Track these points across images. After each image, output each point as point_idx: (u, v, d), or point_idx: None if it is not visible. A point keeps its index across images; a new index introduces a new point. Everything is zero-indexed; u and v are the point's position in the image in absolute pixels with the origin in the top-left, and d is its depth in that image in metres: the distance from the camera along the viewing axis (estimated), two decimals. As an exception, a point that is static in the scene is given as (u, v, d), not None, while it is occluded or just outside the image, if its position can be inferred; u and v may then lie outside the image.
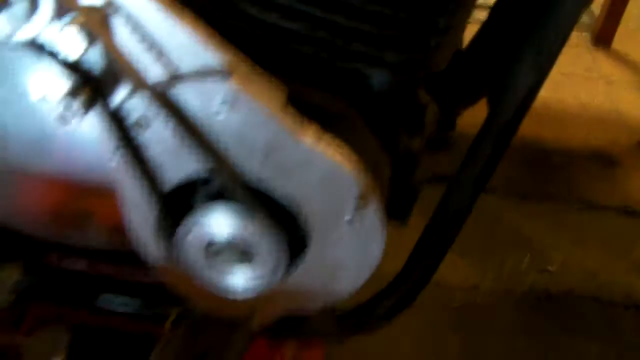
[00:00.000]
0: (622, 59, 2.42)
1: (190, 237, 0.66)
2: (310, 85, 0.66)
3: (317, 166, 0.61)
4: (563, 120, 2.17)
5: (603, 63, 2.46)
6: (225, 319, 0.92)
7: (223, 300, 0.75)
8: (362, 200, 0.63)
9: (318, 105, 0.65)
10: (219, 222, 0.65)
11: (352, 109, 0.67)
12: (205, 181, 0.65)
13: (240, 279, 0.68)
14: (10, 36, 0.53)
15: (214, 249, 0.66)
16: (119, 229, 0.81)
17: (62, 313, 1.04)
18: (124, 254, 1.00)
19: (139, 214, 0.68)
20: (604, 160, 2.07)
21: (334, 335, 1.02)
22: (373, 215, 0.64)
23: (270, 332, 1.01)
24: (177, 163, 0.63)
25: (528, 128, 1.91)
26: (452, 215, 0.85)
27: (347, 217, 0.62)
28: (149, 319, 1.01)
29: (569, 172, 2.02)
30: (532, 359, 1.52)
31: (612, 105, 2.25)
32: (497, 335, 1.57)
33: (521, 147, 1.96)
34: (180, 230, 0.66)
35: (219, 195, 0.65)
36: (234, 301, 0.74)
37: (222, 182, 0.62)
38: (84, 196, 0.78)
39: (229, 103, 0.57)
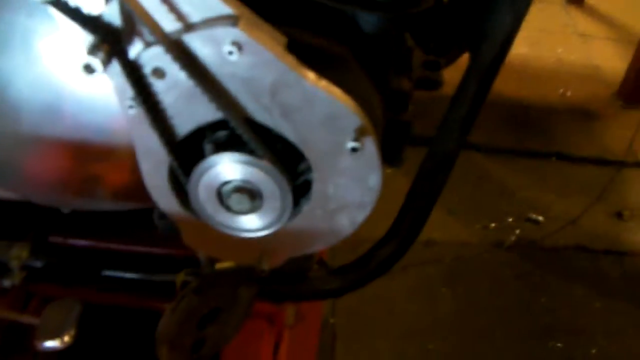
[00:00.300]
0: (595, 15, 2.48)
1: (202, 183, 0.72)
2: (307, 30, 0.71)
3: (319, 102, 0.66)
4: (541, 77, 2.24)
5: (579, 19, 2.53)
6: (232, 276, 0.98)
7: (232, 246, 0.81)
8: (360, 133, 0.68)
9: (316, 48, 0.70)
10: (229, 167, 0.70)
11: (347, 51, 0.72)
12: (214, 128, 0.71)
13: (250, 220, 0.74)
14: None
15: (225, 192, 0.72)
16: (124, 190, 0.86)
17: (69, 292, 1.08)
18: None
19: (154, 162, 0.73)
20: (581, 113, 2.15)
21: (331, 292, 1.08)
22: (371, 146, 0.69)
23: (271, 295, 1.07)
24: (190, 111, 0.68)
25: (508, 85, 2.00)
26: (442, 157, 0.90)
27: (348, 146, 0.68)
28: (155, 293, 1.06)
29: (549, 126, 2.09)
30: (520, 302, 1.60)
31: (588, 60, 2.32)
32: (488, 285, 1.65)
33: (502, 104, 2.02)
34: (193, 176, 0.71)
35: (228, 142, 0.71)
36: (243, 247, 0.80)
37: (232, 126, 0.67)
38: (92, 160, 0.82)
39: (238, 45, 0.63)
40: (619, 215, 1.83)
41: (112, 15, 0.62)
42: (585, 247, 1.75)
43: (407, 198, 0.95)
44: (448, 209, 1.77)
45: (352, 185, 0.73)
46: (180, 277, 0.97)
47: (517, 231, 1.79)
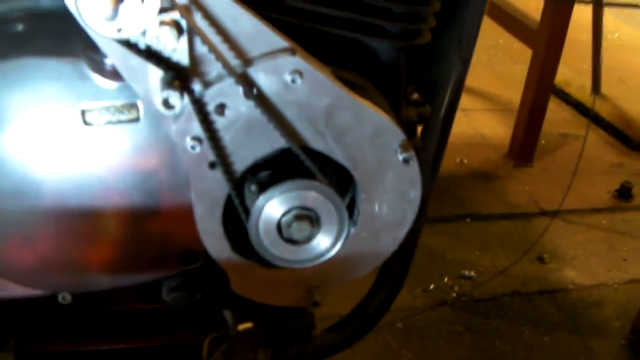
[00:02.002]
0: (471, 91, 2.75)
1: (262, 217, 0.74)
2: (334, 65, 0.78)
3: (368, 119, 0.73)
4: (438, 150, 2.42)
5: (458, 96, 2.79)
6: (253, 338, 0.98)
7: (280, 288, 0.83)
8: (404, 148, 0.75)
9: (347, 80, 0.77)
10: (288, 197, 0.74)
11: (369, 83, 0.80)
12: (254, 172, 0.75)
13: (309, 249, 0.77)
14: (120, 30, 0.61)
15: (285, 223, 0.75)
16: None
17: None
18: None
19: (209, 205, 0.75)
20: (480, 177, 2.34)
21: (334, 348, 1.10)
22: (414, 160, 0.76)
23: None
24: (248, 146, 0.72)
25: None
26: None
27: (400, 158, 0.74)
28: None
29: (456, 192, 2.25)
30: (478, 350, 1.67)
31: (474, 130, 2.55)
32: (443, 341, 1.71)
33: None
34: (255, 212, 0.74)
35: (270, 180, 0.75)
36: (290, 286, 0.82)
37: (291, 155, 0.72)
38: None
39: (299, 73, 0.68)
40: (540, 259, 1.98)
41: (181, 53, 0.66)
42: (519, 291, 1.87)
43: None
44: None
45: (396, 201, 0.78)
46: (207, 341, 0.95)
47: (456, 287, 1.88)
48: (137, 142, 0.76)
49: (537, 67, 2.23)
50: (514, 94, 2.46)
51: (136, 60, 0.66)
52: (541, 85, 2.24)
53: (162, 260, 0.85)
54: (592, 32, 2.49)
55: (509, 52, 2.59)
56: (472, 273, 1.93)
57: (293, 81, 0.68)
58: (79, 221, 0.80)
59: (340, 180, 0.76)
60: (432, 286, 1.88)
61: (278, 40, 0.68)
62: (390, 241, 0.81)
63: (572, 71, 2.80)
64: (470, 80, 2.70)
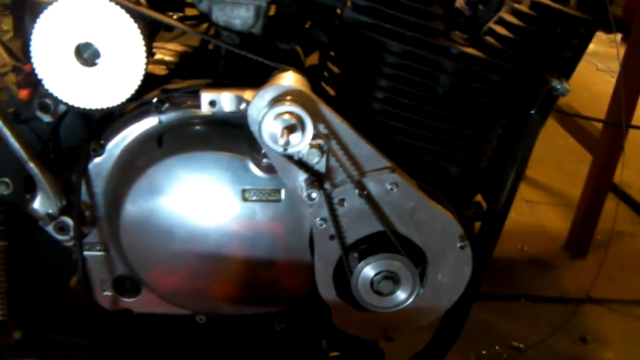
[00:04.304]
0: (536, 184, 3.05)
1: (362, 275, 1.10)
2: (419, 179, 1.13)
3: (439, 218, 1.08)
4: (502, 237, 2.72)
5: (523, 189, 3.09)
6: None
7: (366, 325, 1.17)
8: (462, 239, 1.10)
9: (426, 189, 1.12)
10: (379, 264, 1.09)
11: (441, 193, 1.15)
12: (355, 247, 1.10)
13: (393, 299, 1.12)
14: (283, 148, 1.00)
15: (376, 280, 1.10)
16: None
17: None
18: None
19: (325, 264, 1.11)
20: (538, 264, 2.63)
21: None
22: (468, 247, 1.11)
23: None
24: (356, 227, 1.08)
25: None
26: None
27: (458, 245, 1.09)
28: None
29: (515, 275, 2.55)
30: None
31: (536, 221, 2.85)
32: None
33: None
34: (356, 272, 1.10)
35: (367, 251, 1.11)
36: (373, 325, 1.17)
37: (384, 236, 1.07)
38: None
39: (396, 184, 1.05)
40: (583, 340, 2.25)
41: (320, 165, 1.04)
42: (560, 365, 2.15)
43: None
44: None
45: (453, 274, 1.13)
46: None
47: (505, 355, 2.17)
48: (277, 216, 1.13)
49: (595, 170, 2.52)
50: (576, 191, 2.75)
51: (290, 167, 1.04)
52: (599, 186, 2.53)
53: (279, 298, 1.21)
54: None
55: (576, 152, 2.88)
56: (521, 345, 2.21)
57: (391, 189, 1.05)
58: (229, 265, 1.16)
59: (416, 256, 1.11)
60: (484, 352, 2.17)
61: (383, 161, 1.05)
62: (446, 301, 1.16)
63: (631, 172, 3.06)
64: (538, 174, 3.04)
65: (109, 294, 1.23)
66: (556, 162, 3.28)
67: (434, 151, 1.12)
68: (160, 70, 1.24)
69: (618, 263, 2.59)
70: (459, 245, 1.09)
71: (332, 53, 1.22)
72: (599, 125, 2.51)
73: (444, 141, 1.11)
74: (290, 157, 1.02)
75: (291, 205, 1.11)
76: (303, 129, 0.97)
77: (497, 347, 2.19)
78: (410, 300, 1.12)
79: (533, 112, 1.21)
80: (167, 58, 1.31)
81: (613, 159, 2.45)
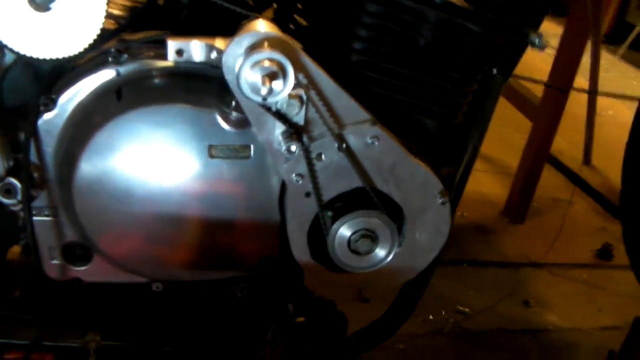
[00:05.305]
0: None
1: (338, 234, 1.05)
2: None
3: (419, 174, 1.04)
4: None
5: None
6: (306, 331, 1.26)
7: (341, 286, 1.13)
8: (442, 196, 1.06)
9: (406, 145, 1.08)
10: (359, 221, 1.05)
11: (419, 151, 1.11)
12: (329, 205, 1.05)
13: (368, 259, 1.07)
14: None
15: (353, 239, 1.05)
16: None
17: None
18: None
19: (299, 223, 1.05)
20: (478, 229, 2.66)
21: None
22: (447, 205, 1.07)
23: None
24: (334, 183, 1.03)
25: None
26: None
27: (438, 202, 1.05)
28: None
29: (456, 240, 2.56)
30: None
31: (475, 188, 2.87)
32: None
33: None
34: (332, 231, 1.05)
35: (342, 209, 1.06)
36: (346, 285, 1.12)
37: (366, 192, 1.03)
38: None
39: (377, 138, 1.00)
40: (527, 303, 2.29)
41: (299, 117, 0.98)
42: (506, 329, 2.17)
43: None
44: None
45: (431, 232, 1.09)
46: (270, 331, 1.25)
47: (451, 320, 2.18)
48: (245, 174, 1.07)
49: (535, 138, 2.56)
50: (513, 159, 2.80)
51: (267, 119, 0.97)
52: (537, 154, 2.57)
53: (245, 262, 1.15)
54: (587, 112, 2.84)
55: (513, 122, 2.92)
56: (467, 309, 2.23)
57: (372, 143, 1.00)
58: (193, 227, 1.09)
59: (393, 213, 1.07)
60: (431, 317, 2.18)
61: (363, 114, 1.00)
62: (422, 261, 1.12)
63: (566, 142, 3.14)
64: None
65: (57, 262, 1.14)
66: (495, 132, 3.31)
67: (412, 104, 1.07)
68: (110, 25, 1.14)
69: (554, 229, 2.65)
70: (439, 201, 1.05)
71: (299, 5, 1.16)
72: (539, 94, 2.55)
73: (423, 93, 1.07)
74: (268, 109, 0.95)
75: (260, 162, 1.05)
76: (284, 76, 0.91)
77: (443, 312, 2.20)
78: (388, 259, 1.08)
79: (495, 71, 1.18)
80: (116, 12, 1.21)
81: (552, 125, 2.49)
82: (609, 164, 3.10)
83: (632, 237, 1.66)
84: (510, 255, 2.53)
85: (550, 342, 2.14)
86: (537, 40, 1.09)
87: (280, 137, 0.97)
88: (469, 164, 1.24)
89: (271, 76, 0.90)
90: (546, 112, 2.47)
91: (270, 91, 0.91)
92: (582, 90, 2.50)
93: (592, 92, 2.59)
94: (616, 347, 1.93)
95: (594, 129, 2.93)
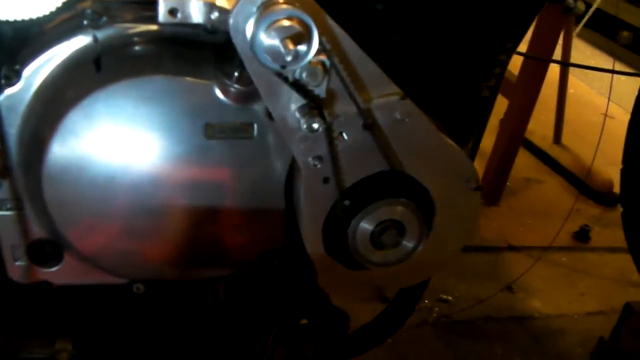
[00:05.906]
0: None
1: (361, 224, 0.91)
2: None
3: (451, 157, 0.91)
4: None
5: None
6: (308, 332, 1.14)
7: (356, 285, 0.99)
8: (472, 180, 0.93)
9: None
10: (384, 211, 0.90)
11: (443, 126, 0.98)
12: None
13: (395, 253, 0.94)
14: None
15: (377, 232, 0.91)
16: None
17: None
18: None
19: (314, 214, 0.91)
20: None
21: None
22: (478, 191, 0.94)
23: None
24: (356, 167, 0.88)
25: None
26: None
27: (472, 187, 0.92)
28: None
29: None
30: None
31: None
32: (429, 355, 1.90)
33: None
34: (353, 223, 0.90)
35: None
36: (364, 284, 0.99)
37: (389, 176, 0.89)
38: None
39: (407, 113, 0.86)
40: (510, 289, 2.20)
41: (321, 89, 0.83)
42: (492, 316, 2.08)
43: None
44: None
45: (461, 220, 0.96)
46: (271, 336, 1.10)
47: (435, 309, 2.07)
48: (246, 157, 0.91)
49: (511, 117, 2.47)
50: (487, 141, 2.70)
51: (283, 90, 0.82)
52: (514, 133, 2.48)
53: (244, 257, 1.00)
54: (558, 89, 2.76)
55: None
56: (449, 297, 2.13)
57: (403, 120, 0.86)
58: (185, 219, 0.94)
59: (421, 200, 0.94)
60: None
61: (392, 85, 0.86)
62: (450, 253, 0.99)
63: (535, 121, 3.06)
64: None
65: (22, 263, 0.97)
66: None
67: (438, 74, 0.94)
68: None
69: (529, 209, 2.57)
70: (471, 186, 0.92)
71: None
72: (516, 72, 2.46)
73: (451, 60, 0.93)
74: (285, 79, 0.80)
75: (263, 143, 0.90)
76: (308, 38, 0.76)
77: (426, 301, 2.09)
78: (419, 250, 0.94)
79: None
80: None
81: (530, 101, 2.40)
82: (578, 143, 3.04)
83: (631, 223, 1.57)
84: (489, 238, 2.44)
85: (538, 329, 2.06)
86: (573, 5, 0.97)
87: (297, 114, 0.82)
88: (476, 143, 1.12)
89: (294, 38, 0.74)
90: (525, 86, 2.38)
91: (296, 56, 0.75)
92: (559, 63, 2.41)
93: (570, 65, 2.51)
94: (603, 333, 1.87)
95: (564, 107, 2.85)
